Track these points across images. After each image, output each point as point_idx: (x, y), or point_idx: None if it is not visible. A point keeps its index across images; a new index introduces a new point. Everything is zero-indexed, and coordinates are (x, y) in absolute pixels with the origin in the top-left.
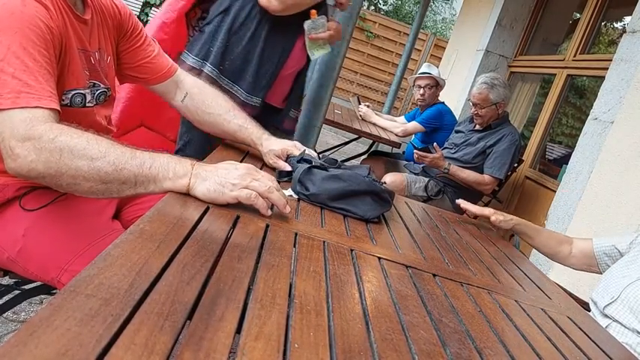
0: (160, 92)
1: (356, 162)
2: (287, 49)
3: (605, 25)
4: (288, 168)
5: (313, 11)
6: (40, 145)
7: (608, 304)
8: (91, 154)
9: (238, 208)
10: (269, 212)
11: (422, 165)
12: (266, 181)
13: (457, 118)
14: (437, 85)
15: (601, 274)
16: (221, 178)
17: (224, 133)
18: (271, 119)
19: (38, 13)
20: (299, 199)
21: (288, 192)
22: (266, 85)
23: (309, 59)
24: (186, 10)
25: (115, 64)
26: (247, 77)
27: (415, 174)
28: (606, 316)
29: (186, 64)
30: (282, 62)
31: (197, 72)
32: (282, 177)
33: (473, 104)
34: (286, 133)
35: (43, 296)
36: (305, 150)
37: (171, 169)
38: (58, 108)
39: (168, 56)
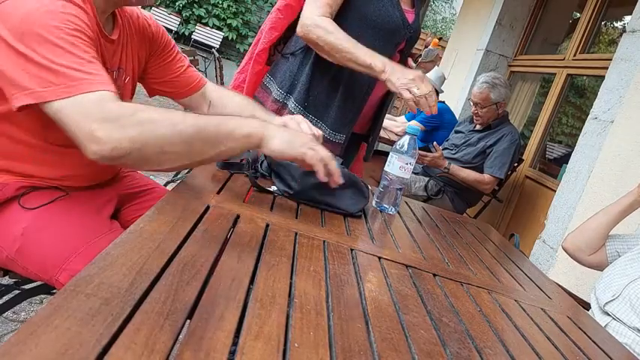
0: (189, 106)
1: None
2: (374, 80)
3: (605, 24)
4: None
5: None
6: (122, 122)
7: (609, 302)
8: (172, 120)
9: (237, 207)
10: (326, 178)
11: (422, 165)
12: (325, 151)
13: (457, 117)
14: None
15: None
16: (291, 136)
17: None
18: (353, 152)
19: (79, 15)
20: (284, 195)
21: (273, 188)
22: (351, 120)
23: None
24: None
25: (138, 77)
26: (331, 113)
27: (415, 174)
28: (606, 313)
29: (271, 96)
30: (368, 95)
31: (280, 105)
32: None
33: (473, 103)
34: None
35: (43, 296)
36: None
37: (245, 125)
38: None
39: (197, 71)
